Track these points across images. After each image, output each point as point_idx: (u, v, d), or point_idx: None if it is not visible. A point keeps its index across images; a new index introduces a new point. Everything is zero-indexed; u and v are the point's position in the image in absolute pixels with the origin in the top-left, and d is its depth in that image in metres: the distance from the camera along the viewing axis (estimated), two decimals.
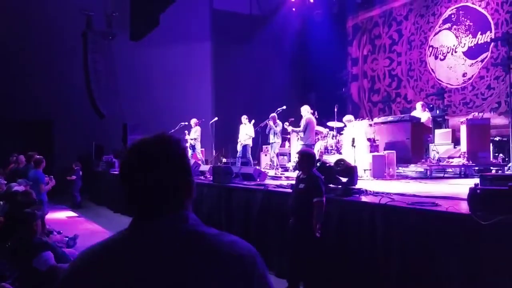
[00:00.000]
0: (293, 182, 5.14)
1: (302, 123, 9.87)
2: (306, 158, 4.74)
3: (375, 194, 5.05)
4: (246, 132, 11.67)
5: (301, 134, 9.93)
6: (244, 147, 11.66)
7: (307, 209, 4.48)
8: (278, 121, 11.08)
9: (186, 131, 12.81)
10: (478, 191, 3.50)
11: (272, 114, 11.06)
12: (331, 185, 5.10)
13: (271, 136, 11.16)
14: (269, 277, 1.08)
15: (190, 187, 1.13)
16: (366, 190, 5.20)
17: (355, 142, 7.92)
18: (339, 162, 5.17)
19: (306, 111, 10.00)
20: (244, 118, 11.84)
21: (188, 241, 1.03)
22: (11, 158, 11.18)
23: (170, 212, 1.07)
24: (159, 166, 1.07)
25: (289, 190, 5.44)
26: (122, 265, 1.00)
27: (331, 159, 8.61)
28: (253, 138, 11.74)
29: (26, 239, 3.27)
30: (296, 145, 10.73)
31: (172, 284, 0.98)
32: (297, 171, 5.20)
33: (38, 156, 7.93)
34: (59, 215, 10.89)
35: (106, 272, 1.00)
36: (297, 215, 4.64)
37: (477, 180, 4.25)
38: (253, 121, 11.69)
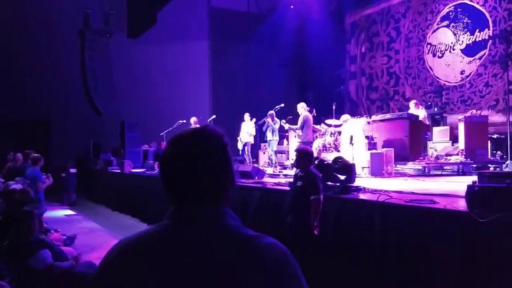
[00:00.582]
0: (291, 180, 5.13)
1: (299, 120, 9.86)
2: (304, 155, 4.72)
3: (373, 191, 5.05)
4: (247, 130, 11.65)
5: (299, 132, 9.92)
6: (245, 145, 11.66)
7: (305, 207, 4.47)
8: (276, 118, 11.06)
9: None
10: (476, 188, 3.50)
11: (270, 112, 11.05)
12: (329, 183, 5.10)
13: (269, 134, 11.13)
14: (303, 282, 1.06)
15: (232, 184, 1.13)
16: (364, 188, 5.21)
17: (353, 140, 7.91)
18: (337, 160, 5.17)
19: (302, 108, 9.98)
20: (246, 116, 11.83)
21: (226, 239, 1.02)
22: (9, 157, 11.15)
23: (210, 205, 1.07)
24: (202, 159, 1.07)
25: (287, 188, 5.43)
26: (161, 257, 1.00)
27: (329, 157, 8.63)
28: (253, 137, 11.74)
29: (23, 237, 3.26)
30: (294, 143, 10.72)
31: (204, 280, 0.98)
32: (295, 169, 5.20)
33: (35, 154, 7.90)
34: (57, 214, 10.87)
35: (146, 264, 1.00)
36: (294, 213, 4.64)
37: (475, 178, 4.25)
38: (254, 119, 11.66)
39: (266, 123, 11.06)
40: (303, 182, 4.58)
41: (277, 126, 11.01)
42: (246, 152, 11.75)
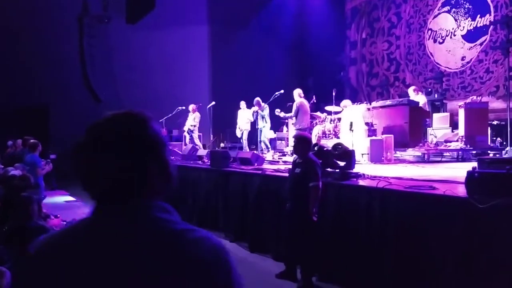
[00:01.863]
0: (291, 166, 5.13)
1: (293, 107, 9.81)
2: (302, 142, 4.73)
3: (373, 178, 5.05)
4: (246, 117, 11.61)
5: (294, 119, 9.87)
6: (246, 132, 11.65)
7: (304, 194, 4.48)
8: (263, 104, 10.96)
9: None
10: (476, 174, 3.50)
11: (256, 99, 10.98)
12: (328, 169, 5.10)
13: (259, 122, 11.06)
14: (236, 278, 0.98)
15: (161, 175, 1.01)
16: (363, 174, 5.20)
17: (353, 126, 7.89)
18: (337, 146, 5.16)
19: (297, 95, 9.91)
20: (242, 103, 11.78)
21: (148, 234, 0.93)
22: (8, 143, 11.16)
23: (134, 199, 0.97)
24: (126, 146, 0.96)
25: (286, 175, 5.43)
26: (80, 254, 0.93)
27: (329, 143, 8.61)
28: (250, 124, 11.70)
29: (22, 223, 3.27)
30: (293, 130, 10.69)
31: (121, 279, 0.90)
32: (294, 155, 5.20)
33: (33, 140, 7.88)
34: (57, 200, 10.90)
35: (66, 261, 0.93)
36: (293, 199, 4.65)
37: (474, 164, 4.25)
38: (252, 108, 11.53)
39: (254, 111, 11.02)
40: (302, 169, 4.58)
41: (265, 112, 10.94)
42: (244, 139, 11.73)
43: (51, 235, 1.02)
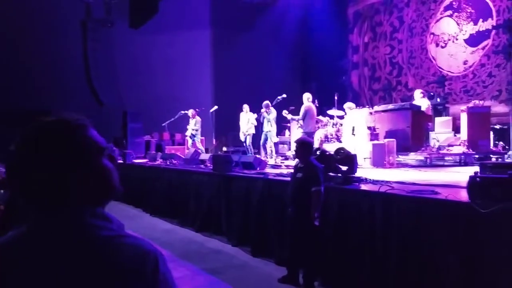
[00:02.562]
0: (293, 170, 5.14)
1: (301, 110, 9.86)
2: (303, 146, 4.74)
3: (375, 182, 5.05)
4: (251, 120, 11.60)
5: (301, 122, 9.91)
6: (247, 136, 11.65)
7: (306, 198, 4.49)
8: (272, 108, 10.95)
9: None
10: (478, 179, 3.50)
11: (265, 102, 10.97)
12: (331, 174, 5.10)
13: (265, 125, 11.05)
14: (169, 280, 0.96)
15: (97, 179, 1.00)
16: (365, 179, 5.20)
17: (355, 130, 7.89)
18: (339, 150, 5.16)
19: (306, 99, 9.98)
20: (245, 107, 11.78)
21: (77, 243, 0.92)
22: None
23: (66, 207, 0.95)
24: (53, 153, 0.94)
25: (289, 179, 5.44)
26: (8, 266, 0.91)
27: (331, 147, 8.62)
28: (254, 127, 11.70)
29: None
30: (296, 133, 10.70)
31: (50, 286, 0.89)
32: (296, 160, 5.21)
33: None
34: None
35: None
36: (296, 204, 4.65)
37: (477, 168, 4.25)
38: (255, 115, 11.51)
39: (261, 113, 11.00)
40: (304, 173, 4.59)
41: (272, 116, 10.91)
42: (248, 143, 11.73)
43: None
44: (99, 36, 15.57)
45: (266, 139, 11.11)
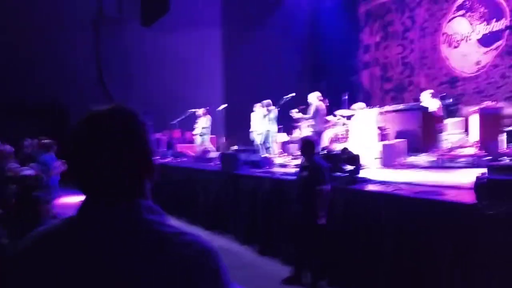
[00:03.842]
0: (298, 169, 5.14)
1: (312, 109, 9.80)
2: (307, 144, 4.75)
3: (381, 183, 5.02)
4: (260, 120, 11.60)
5: (311, 121, 9.83)
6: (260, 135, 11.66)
7: (311, 197, 4.49)
8: (273, 106, 10.93)
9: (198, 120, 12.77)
10: (485, 180, 3.46)
11: (268, 100, 11.00)
12: (337, 174, 5.09)
13: (266, 124, 11.05)
14: (225, 282, 0.96)
15: (150, 170, 0.99)
16: (372, 179, 5.18)
17: (364, 130, 7.85)
18: (345, 150, 5.15)
19: (315, 98, 9.91)
20: (257, 106, 11.76)
21: (137, 236, 0.91)
22: (25, 143, 11.33)
23: (123, 198, 0.94)
24: (115, 142, 0.93)
25: (295, 178, 5.43)
26: (62, 256, 0.91)
27: (340, 147, 8.58)
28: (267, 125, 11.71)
29: (32, 223, 3.33)
30: (306, 133, 10.66)
31: (107, 282, 0.89)
32: (301, 159, 5.21)
33: (46, 141, 7.98)
34: (72, 200, 11.02)
35: (47, 262, 0.91)
36: (301, 203, 4.65)
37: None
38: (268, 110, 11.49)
39: (264, 113, 11.03)
40: (309, 172, 4.59)
41: (273, 115, 10.93)
42: (259, 142, 11.72)
43: (33, 236, 0.98)
44: (110, 34, 15.69)
45: (266, 138, 11.13)
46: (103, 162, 0.92)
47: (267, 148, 11.11)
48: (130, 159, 0.94)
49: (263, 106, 10.94)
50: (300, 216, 4.69)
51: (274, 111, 10.87)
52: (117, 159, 0.93)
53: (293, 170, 7.02)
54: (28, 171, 6.22)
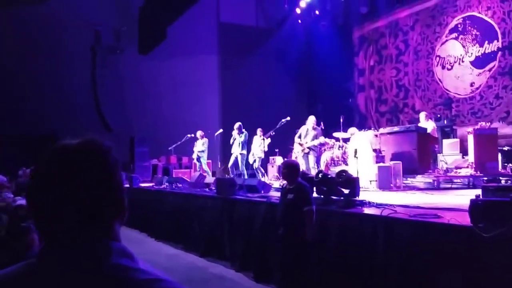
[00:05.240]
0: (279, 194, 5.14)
1: (315, 134, 9.68)
2: (291, 168, 4.75)
3: (378, 205, 4.98)
4: (264, 146, 11.64)
5: (308, 144, 9.75)
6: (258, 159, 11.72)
7: (297, 219, 4.48)
8: (244, 130, 11.13)
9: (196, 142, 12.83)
10: (480, 202, 3.43)
11: (237, 124, 11.15)
12: (333, 197, 5.05)
13: (235, 147, 11.19)
14: None
15: (119, 210, 0.91)
16: (368, 202, 5.14)
17: (357, 153, 7.84)
18: (341, 173, 5.12)
19: (313, 122, 9.84)
20: (258, 131, 11.84)
21: (100, 283, 0.81)
22: (19, 172, 11.29)
23: (88, 241, 0.85)
24: (77, 179, 0.85)
25: None
26: None
27: (337, 170, 8.55)
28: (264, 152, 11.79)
29: (19, 253, 3.27)
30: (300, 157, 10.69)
31: None
32: (283, 182, 5.23)
33: None
34: None
35: None
36: (287, 225, 4.62)
37: None
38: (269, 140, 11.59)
39: (233, 135, 11.17)
40: (295, 194, 4.58)
41: (243, 139, 11.05)
42: (257, 166, 11.73)
43: None
44: (108, 62, 15.85)
45: (236, 162, 11.21)
46: (62, 200, 0.84)
47: (232, 172, 11.24)
48: (95, 198, 0.86)
49: (235, 129, 11.13)
50: (287, 239, 4.64)
51: (244, 135, 11.00)
52: (79, 197, 0.85)
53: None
54: (21, 201, 6.16)
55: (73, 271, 0.82)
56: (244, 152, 11.24)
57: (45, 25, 14.91)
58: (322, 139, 9.93)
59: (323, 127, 10.64)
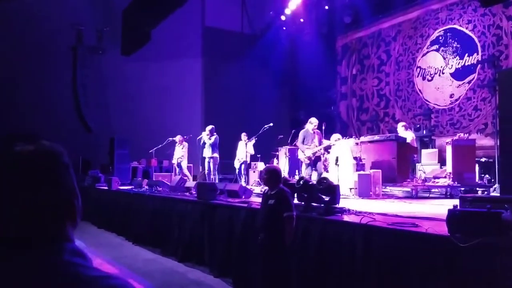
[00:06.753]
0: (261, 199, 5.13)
1: (322, 139, 9.57)
2: (273, 174, 4.75)
3: (357, 213, 5.01)
4: (246, 149, 11.65)
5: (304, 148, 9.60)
6: (242, 163, 11.69)
7: (277, 224, 4.48)
8: (215, 133, 11.17)
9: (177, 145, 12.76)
10: (457, 212, 3.48)
11: (210, 126, 11.10)
12: (313, 204, 5.06)
13: (205, 151, 11.18)
14: None
15: (70, 213, 0.94)
16: (348, 209, 5.16)
17: (339, 160, 7.89)
18: (322, 180, 5.14)
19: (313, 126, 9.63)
20: (243, 135, 11.84)
21: (57, 281, 0.83)
22: None
23: (41, 242, 0.87)
24: (24, 182, 0.87)
25: None
26: None
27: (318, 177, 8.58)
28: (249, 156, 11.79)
29: None
30: (284, 162, 10.70)
31: None
32: (264, 188, 5.21)
33: None
34: None
35: None
36: (268, 231, 4.60)
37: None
38: (252, 139, 11.63)
39: (202, 138, 11.16)
40: (276, 200, 4.58)
41: (212, 141, 11.03)
42: (242, 171, 11.73)
43: None
44: (89, 63, 15.66)
45: (208, 165, 11.18)
46: (7, 202, 0.87)
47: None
48: (46, 201, 0.89)
49: (210, 134, 11.11)
50: (267, 244, 4.62)
51: (214, 138, 11.04)
52: (28, 200, 0.87)
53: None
54: None
55: (24, 271, 0.84)
56: (216, 155, 11.18)
57: (26, 23, 14.66)
58: (327, 141, 9.54)
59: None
